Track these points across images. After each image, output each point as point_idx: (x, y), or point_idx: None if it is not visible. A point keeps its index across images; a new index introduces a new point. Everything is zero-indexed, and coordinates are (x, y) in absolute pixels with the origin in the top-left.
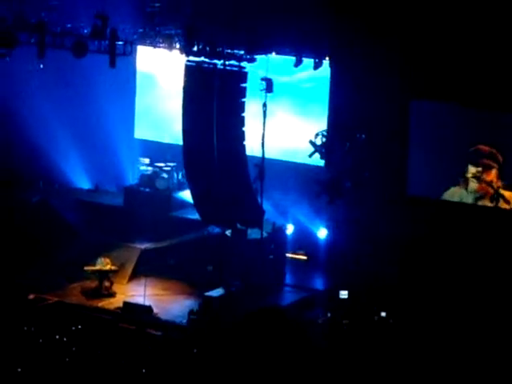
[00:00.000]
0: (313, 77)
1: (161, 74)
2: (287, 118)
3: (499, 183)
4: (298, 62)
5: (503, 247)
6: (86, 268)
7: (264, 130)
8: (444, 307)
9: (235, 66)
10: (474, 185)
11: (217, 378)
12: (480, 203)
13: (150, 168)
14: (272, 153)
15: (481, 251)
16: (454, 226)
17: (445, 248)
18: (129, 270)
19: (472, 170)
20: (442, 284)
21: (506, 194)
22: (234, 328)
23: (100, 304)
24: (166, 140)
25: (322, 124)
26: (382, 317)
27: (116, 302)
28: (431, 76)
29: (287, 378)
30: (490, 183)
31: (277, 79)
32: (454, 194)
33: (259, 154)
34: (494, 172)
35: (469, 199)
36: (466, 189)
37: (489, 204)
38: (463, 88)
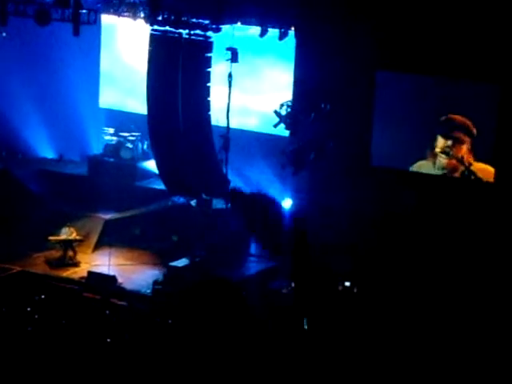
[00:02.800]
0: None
1: (125, 42)
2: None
3: (471, 158)
4: (264, 32)
5: (470, 218)
6: (50, 238)
7: (229, 100)
8: (407, 277)
9: (200, 35)
10: (442, 160)
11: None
12: None
13: (114, 138)
14: (237, 123)
15: (444, 221)
16: (418, 196)
17: (407, 218)
18: (93, 239)
19: (441, 143)
20: (405, 253)
21: (478, 166)
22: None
23: (64, 274)
24: (131, 109)
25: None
26: (346, 286)
27: (80, 272)
28: (397, 46)
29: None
30: (460, 159)
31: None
32: (421, 167)
33: (225, 124)
34: (465, 147)
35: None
36: (434, 164)
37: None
38: (430, 58)
